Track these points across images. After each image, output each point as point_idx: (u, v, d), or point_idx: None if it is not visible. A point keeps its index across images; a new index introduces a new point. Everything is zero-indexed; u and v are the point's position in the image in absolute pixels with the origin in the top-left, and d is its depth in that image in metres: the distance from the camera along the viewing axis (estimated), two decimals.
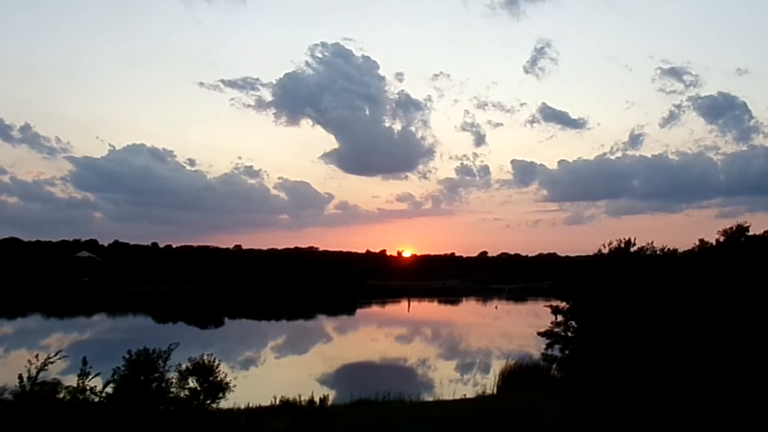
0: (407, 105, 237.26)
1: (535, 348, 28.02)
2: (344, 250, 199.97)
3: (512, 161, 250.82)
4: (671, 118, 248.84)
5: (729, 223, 24.19)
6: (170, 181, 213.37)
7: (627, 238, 24.08)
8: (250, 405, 18.98)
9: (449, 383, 28.96)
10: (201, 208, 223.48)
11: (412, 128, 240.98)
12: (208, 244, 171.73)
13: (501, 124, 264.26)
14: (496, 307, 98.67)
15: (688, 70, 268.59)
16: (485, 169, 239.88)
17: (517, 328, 58.98)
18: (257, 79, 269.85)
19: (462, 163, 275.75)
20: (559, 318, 24.42)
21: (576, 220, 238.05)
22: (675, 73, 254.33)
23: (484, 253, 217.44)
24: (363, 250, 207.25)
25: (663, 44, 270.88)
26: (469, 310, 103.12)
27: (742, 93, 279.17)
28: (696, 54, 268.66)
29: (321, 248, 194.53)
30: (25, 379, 9.57)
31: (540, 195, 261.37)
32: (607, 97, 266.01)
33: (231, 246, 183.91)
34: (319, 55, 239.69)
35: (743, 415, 14.07)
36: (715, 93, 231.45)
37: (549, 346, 24.28)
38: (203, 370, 12.05)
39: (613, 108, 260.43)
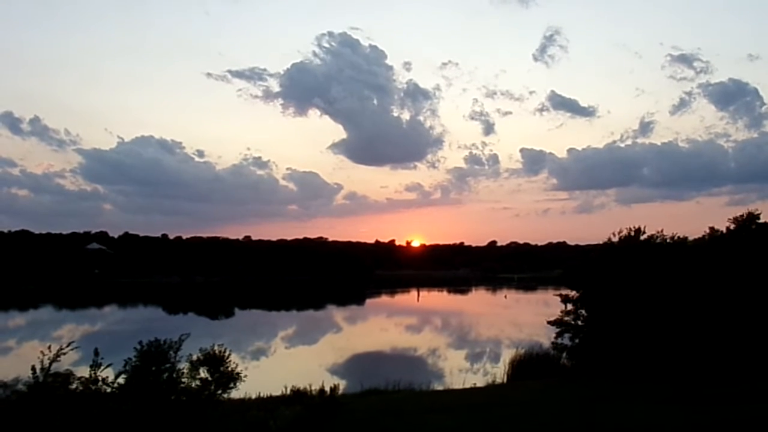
0: (415, 94, 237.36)
1: (545, 337, 28.01)
2: (353, 240, 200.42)
3: (521, 150, 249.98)
4: (681, 106, 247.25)
5: (740, 211, 24.09)
6: (179, 172, 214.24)
7: (637, 227, 24.01)
8: (261, 395, 19.04)
9: (459, 372, 29.00)
10: (210, 199, 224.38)
11: (421, 118, 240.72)
12: (217, 235, 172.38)
13: (510, 113, 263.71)
14: (505, 297, 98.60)
15: (699, 56, 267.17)
16: (494, 158, 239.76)
17: (527, 318, 58.92)
18: (264, 70, 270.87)
19: (471, 152, 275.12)
20: (569, 307, 24.40)
21: (586, 208, 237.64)
22: (685, 59, 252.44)
23: (494, 242, 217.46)
24: (372, 240, 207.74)
25: (673, 30, 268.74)
26: (478, 299, 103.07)
27: (754, 79, 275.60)
28: (706, 40, 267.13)
29: (330, 238, 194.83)
30: (38, 370, 9.65)
31: (549, 184, 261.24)
32: (616, 84, 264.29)
33: (240, 237, 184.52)
34: (326, 45, 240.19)
35: (755, 401, 14.04)
36: (725, 79, 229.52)
37: (559, 334, 24.28)
38: (214, 361, 12.11)
39: (623, 95, 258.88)
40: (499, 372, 26.85)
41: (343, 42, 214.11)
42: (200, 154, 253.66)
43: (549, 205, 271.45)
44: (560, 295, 25.09)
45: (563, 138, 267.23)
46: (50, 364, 9.71)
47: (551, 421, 13.40)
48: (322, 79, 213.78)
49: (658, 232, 23.97)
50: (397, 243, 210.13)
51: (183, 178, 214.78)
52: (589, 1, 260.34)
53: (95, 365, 10.10)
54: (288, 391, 17.86)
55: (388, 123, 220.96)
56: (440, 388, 24.41)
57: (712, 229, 25.08)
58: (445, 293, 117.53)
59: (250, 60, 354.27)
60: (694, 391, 16.14)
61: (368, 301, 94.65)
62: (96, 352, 10.17)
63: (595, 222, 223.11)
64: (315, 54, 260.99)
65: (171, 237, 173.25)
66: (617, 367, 20.94)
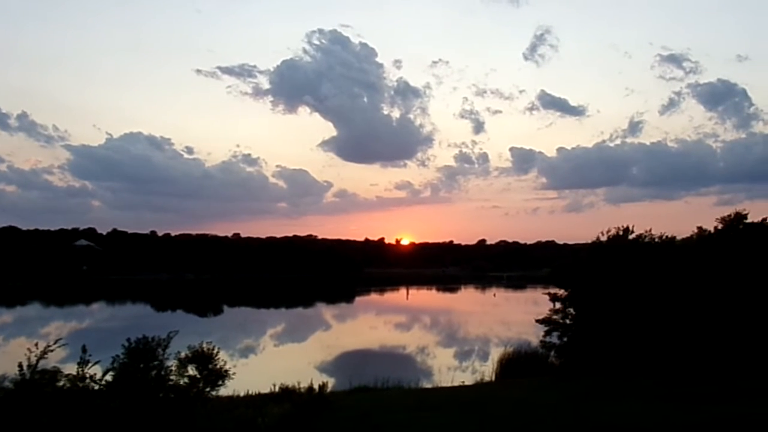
0: (406, 92, 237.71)
1: (534, 335, 28.10)
2: (343, 238, 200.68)
3: (511, 149, 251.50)
4: (671, 106, 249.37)
5: (728, 211, 24.25)
6: (168, 169, 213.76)
7: (625, 226, 24.14)
8: (250, 392, 18.99)
9: (448, 370, 29.03)
10: (199, 196, 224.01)
11: (411, 116, 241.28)
12: (206, 232, 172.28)
13: (500, 112, 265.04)
14: (494, 295, 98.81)
15: (688, 56, 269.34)
16: (484, 157, 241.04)
17: (516, 316, 59.12)
18: (254, 67, 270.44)
19: (461, 151, 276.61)
20: (558, 305, 24.50)
21: (575, 207, 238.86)
22: (674, 59, 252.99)
23: (483, 240, 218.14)
24: (362, 238, 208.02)
25: (663, 31, 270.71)
26: (467, 297, 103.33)
27: (742, 80, 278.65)
28: (696, 40, 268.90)
29: (319, 236, 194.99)
30: (25, 368, 9.58)
31: (539, 183, 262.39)
32: (606, 84, 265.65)
33: (230, 234, 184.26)
34: (317, 42, 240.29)
35: (742, 399, 14.14)
36: (714, 80, 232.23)
37: (547, 333, 24.38)
38: (202, 358, 12.06)
39: (613, 95, 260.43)
40: (487, 370, 26.90)
41: (334, 39, 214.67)
42: (189, 150, 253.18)
43: (538, 204, 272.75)
44: (549, 294, 25.19)
45: (553, 137, 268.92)
46: (37, 361, 9.64)
47: (540, 418, 13.45)
48: (312, 76, 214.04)
49: (646, 232, 24.11)
50: (386, 241, 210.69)
51: (172, 175, 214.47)
52: (579, 1, 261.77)
53: (83, 362, 10.03)
54: (277, 389, 17.86)
55: (378, 121, 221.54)
56: (429, 386, 24.42)
57: (700, 228, 25.25)
58: (434, 291, 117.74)
59: (240, 57, 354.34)
60: (683, 389, 16.24)
61: (357, 299, 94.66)
62: (84, 349, 10.09)
63: (584, 221, 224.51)
64: (305, 51, 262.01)
65: (160, 234, 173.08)
66: (606, 365, 21.04)
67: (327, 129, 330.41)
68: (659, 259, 22.59)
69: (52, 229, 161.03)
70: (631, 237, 23.95)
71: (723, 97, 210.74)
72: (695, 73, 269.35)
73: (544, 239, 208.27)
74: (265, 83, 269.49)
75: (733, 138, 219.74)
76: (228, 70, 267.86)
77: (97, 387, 10.17)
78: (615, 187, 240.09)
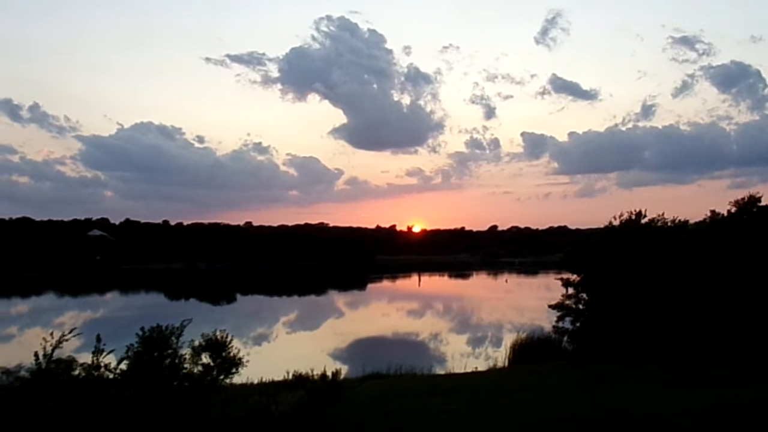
0: (416, 78, 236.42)
1: (547, 321, 28.04)
2: (354, 225, 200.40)
3: (522, 134, 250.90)
4: (684, 88, 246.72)
5: (741, 194, 24.00)
6: (179, 158, 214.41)
7: (638, 210, 24.00)
8: (263, 380, 19.10)
9: (461, 357, 29.04)
10: (211, 185, 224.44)
11: (422, 102, 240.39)
12: (218, 221, 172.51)
13: (511, 97, 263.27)
14: (506, 281, 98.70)
15: (701, 38, 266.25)
16: (495, 142, 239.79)
17: (528, 302, 59.03)
18: (263, 54, 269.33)
19: (472, 137, 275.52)
20: (570, 291, 24.43)
21: (587, 192, 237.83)
22: (687, 41, 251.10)
23: (495, 227, 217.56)
24: (373, 226, 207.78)
25: (675, 12, 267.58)
26: (479, 284, 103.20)
27: (756, 61, 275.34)
28: (708, 22, 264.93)
29: (331, 224, 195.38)
30: (40, 357, 9.65)
31: (551, 167, 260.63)
32: (618, 67, 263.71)
33: (242, 223, 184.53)
34: (325, 29, 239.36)
35: (755, 383, 14.09)
36: (728, 62, 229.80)
37: (560, 318, 24.34)
38: (216, 346, 12.13)
39: (625, 78, 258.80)
40: (500, 356, 26.89)
41: (342, 26, 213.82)
42: (200, 139, 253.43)
43: (550, 189, 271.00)
44: (561, 279, 25.11)
45: (564, 121, 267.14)
46: (53, 350, 9.71)
47: (554, 403, 13.45)
48: (321, 63, 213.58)
49: (659, 216, 23.95)
50: (398, 228, 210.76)
51: (183, 164, 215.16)
52: None
53: (97, 351, 10.10)
54: (290, 376, 17.93)
55: (388, 107, 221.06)
56: (442, 372, 24.46)
57: (713, 212, 25.04)
58: (446, 278, 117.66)
59: (249, 45, 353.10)
60: (695, 373, 16.19)
61: (369, 286, 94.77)
62: (98, 339, 10.17)
63: (596, 206, 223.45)
64: (314, 38, 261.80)
65: (172, 223, 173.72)
66: (618, 350, 21.00)
67: (337, 116, 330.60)
68: (672, 243, 22.46)
69: (66, 219, 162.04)
70: (643, 221, 23.81)
71: (737, 79, 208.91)
72: (708, 55, 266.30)
73: (556, 224, 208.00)
74: (274, 71, 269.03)
75: (747, 120, 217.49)
76: (237, 58, 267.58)
77: (111, 376, 10.25)
78: (627, 171, 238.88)
